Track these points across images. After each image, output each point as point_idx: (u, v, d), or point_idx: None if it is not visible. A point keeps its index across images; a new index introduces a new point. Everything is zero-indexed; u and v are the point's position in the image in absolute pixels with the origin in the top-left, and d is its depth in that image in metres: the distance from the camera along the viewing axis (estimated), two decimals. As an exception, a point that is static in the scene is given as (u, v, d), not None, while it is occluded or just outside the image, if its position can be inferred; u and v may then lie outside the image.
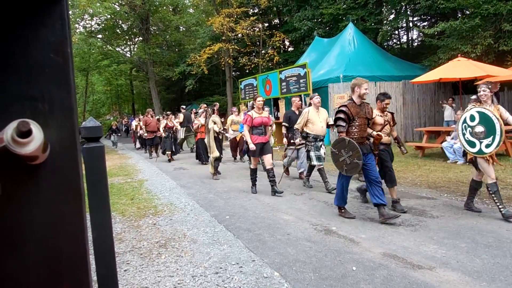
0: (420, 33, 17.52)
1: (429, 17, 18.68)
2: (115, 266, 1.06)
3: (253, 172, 6.22)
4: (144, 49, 25.66)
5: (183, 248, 3.76)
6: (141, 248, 3.81)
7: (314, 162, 6.15)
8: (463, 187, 5.87)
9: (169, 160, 11.32)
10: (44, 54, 0.72)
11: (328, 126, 6.32)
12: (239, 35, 22.02)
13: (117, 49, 28.68)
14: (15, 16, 0.69)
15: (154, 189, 6.96)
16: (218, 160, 7.75)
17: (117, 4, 24.11)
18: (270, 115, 6.97)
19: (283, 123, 7.14)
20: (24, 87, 0.70)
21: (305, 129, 6.22)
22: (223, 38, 20.72)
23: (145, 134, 12.18)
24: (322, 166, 6.16)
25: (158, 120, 12.69)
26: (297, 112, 6.99)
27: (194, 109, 12.68)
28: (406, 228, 4.04)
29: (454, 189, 5.79)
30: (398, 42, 23.71)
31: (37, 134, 0.62)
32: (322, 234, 3.99)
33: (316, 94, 6.65)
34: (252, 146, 5.90)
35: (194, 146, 11.83)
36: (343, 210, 4.60)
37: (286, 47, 25.42)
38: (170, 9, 27.64)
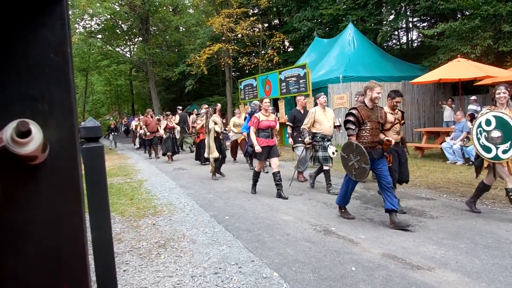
0: (420, 34, 17.53)
1: (428, 18, 18.72)
2: (114, 266, 1.06)
3: (256, 175, 6.13)
4: (144, 49, 25.66)
5: (182, 248, 3.76)
6: (140, 248, 3.81)
7: (322, 162, 6.02)
8: (463, 188, 5.88)
9: (169, 161, 11.30)
10: (44, 54, 0.72)
11: (334, 126, 6.18)
12: (239, 35, 22.03)
13: (117, 49, 28.68)
14: (15, 16, 0.69)
15: (153, 189, 6.96)
16: (217, 160, 7.71)
17: (117, 4, 24.10)
18: (276, 117, 6.86)
19: (288, 123, 6.96)
20: (24, 87, 0.70)
21: (312, 129, 6.09)
22: (223, 38, 20.73)
23: (148, 133, 12.14)
24: (328, 168, 6.04)
25: (158, 120, 12.67)
26: (302, 112, 6.85)
27: (195, 110, 12.64)
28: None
29: (453, 190, 5.80)
30: (398, 43, 23.76)
31: (37, 134, 0.62)
32: (321, 234, 3.99)
33: (323, 93, 6.47)
34: (258, 148, 5.78)
35: (194, 146, 11.84)
36: (343, 210, 4.59)
37: (286, 47, 25.45)
38: (170, 10, 27.65)
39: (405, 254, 3.33)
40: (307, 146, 6.38)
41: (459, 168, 7.59)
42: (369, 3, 17.13)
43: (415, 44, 22.37)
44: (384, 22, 18.27)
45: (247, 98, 15.96)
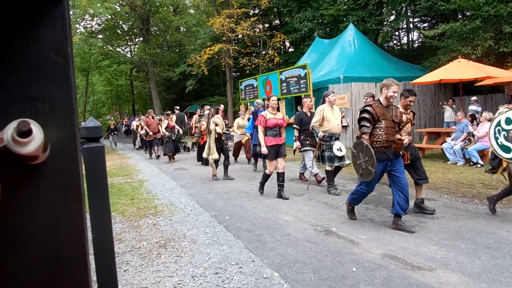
0: (421, 35, 17.55)
1: (429, 18, 18.73)
2: (114, 266, 1.06)
3: (266, 177, 5.93)
4: (145, 49, 25.70)
5: (183, 248, 3.76)
6: (140, 248, 3.81)
7: (327, 162, 5.91)
8: (463, 188, 5.87)
9: (170, 160, 11.29)
10: (45, 54, 0.72)
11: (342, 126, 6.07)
12: (239, 35, 22.06)
13: (117, 49, 28.73)
14: (15, 16, 0.69)
15: (154, 189, 6.96)
16: (217, 162, 7.67)
17: (117, 4, 24.14)
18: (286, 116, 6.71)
19: (295, 126, 6.69)
20: (24, 87, 0.70)
21: (320, 128, 5.95)
22: (224, 38, 20.75)
23: (150, 133, 12.14)
24: (330, 169, 5.96)
25: (160, 120, 12.67)
26: (308, 114, 6.64)
27: (198, 110, 12.61)
28: (406, 229, 4.03)
29: (454, 190, 5.79)
30: (399, 43, 23.77)
31: (37, 133, 0.62)
32: (322, 235, 3.99)
33: (332, 91, 6.30)
34: (264, 150, 5.67)
35: (196, 146, 11.82)
36: (351, 207, 4.46)
37: (287, 48, 25.46)
38: (171, 10, 27.70)
39: (406, 255, 3.32)
40: (321, 140, 6.06)
41: (459, 168, 7.59)
42: (369, 4, 17.13)
43: (416, 45, 22.38)
44: (385, 23, 18.27)
45: (247, 98, 15.96)
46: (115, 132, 18.66)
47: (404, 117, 4.45)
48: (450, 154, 8.32)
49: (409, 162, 4.46)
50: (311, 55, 16.20)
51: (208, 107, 10.71)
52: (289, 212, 4.96)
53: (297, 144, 6.57)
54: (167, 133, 11.23)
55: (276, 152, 5.71)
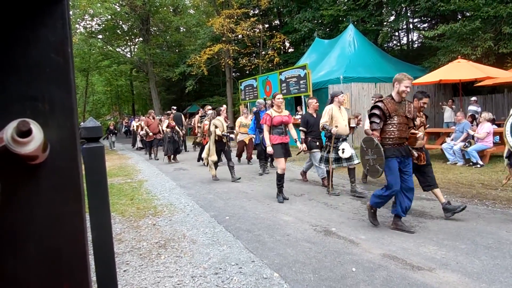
0: (420, 35, 17.56)
1: (429, 19, 18.74)
2: (114, 266, 1.06)
3: (280, 178, 5.57)
4: (145, 49, 25.71)
5: (182, 248, 3.76)
6: (140, 249, 3.81)
7: (331, 163, 5.85)
8: (463, 189, 5.87)
9: (171, 161, 11.28)
10: (45, 54, 0.72)
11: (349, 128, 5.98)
12: (239, 36, 22.07)
13: (117, 49, 28.74)
14: (15, 16, 0.69)
15: (153, 190, 6.96)
16: (217, 163, 7.65)
17: (117, 4, 24.15)
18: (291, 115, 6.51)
19: (301, 128, 6.54)
20: (24, 87, 0.70)
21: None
22: (223, 39, 20.76)
23: (150, 133, 12.14)
24: (334, 168, 5.90)
25: (160, 121, 12.66)
26: (314, 115, 6.53)
27: (200, 110, 12.54)
28: (405, 230, 4.03)
29: (453, 191, 5.79)
30: (398, 44, 23.79)
31: (37, 133, 0.62)
32: (321, 235, 3.99)
33: (341, 91, 6.24)
34: (269, 149, 5.55)
35: (198, 147, 11.80)
36: (372, 211, 4.21)
37: (286, 48, 25.48)
38: (171, 10, 27.71)
39: (406, 255, 3.32)
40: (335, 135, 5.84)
41: (459, 168, 7.59)
42: (369, 4, 17.15)
43: (416, 45, 22.40)
44: (385, 23, 18.28)
45: (247, 98, 15.97)
46: (115, 132, 18.65)
47: (418, 120, 4.32)
48: (449, 154, 8.32)
49: (425, 163, 4.31)
50: (311, 55, 16.21)
51: (209, 107, 10.68)
52: (289, 212, 4.96)
53: (303, 146, 6.19)
54: (168, 130, 11.18)
55: (283, 149, 5.56)
